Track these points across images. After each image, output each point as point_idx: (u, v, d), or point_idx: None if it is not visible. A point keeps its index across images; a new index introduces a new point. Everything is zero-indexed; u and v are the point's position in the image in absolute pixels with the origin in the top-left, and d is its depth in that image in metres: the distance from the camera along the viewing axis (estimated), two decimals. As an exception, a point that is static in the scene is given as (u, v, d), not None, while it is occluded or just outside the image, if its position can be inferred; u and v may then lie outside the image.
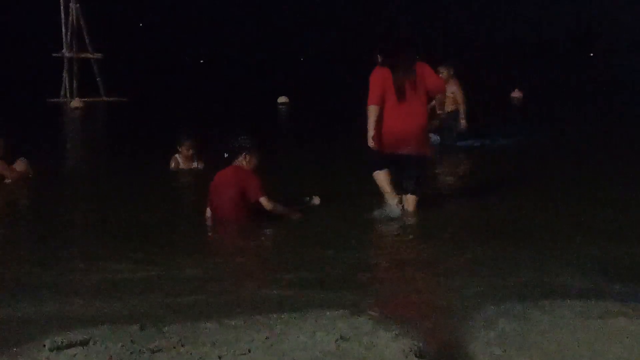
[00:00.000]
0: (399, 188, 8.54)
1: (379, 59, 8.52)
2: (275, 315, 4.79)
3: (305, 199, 8.94)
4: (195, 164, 11.96)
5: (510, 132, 16.52)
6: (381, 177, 8.51)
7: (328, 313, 4.74)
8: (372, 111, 8.28)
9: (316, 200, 8.95)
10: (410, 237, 7.75)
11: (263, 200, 8.17)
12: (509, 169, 12.10)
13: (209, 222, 8.34)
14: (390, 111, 8.34)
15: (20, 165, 11.23)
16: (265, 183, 8.26)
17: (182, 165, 11.96)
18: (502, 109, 24.98)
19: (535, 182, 10.54)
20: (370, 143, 8.27)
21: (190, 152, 11.96)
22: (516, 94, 30.95)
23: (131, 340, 4.35)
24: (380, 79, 8.35)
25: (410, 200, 8.53)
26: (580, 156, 13.43)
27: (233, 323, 4.65)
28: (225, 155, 8.44)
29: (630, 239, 7.14)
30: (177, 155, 12.00)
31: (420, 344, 4.18)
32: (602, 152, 13.80)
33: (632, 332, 4.33)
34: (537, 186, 10.22)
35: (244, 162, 8.37)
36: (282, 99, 30.00)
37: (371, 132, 8.25)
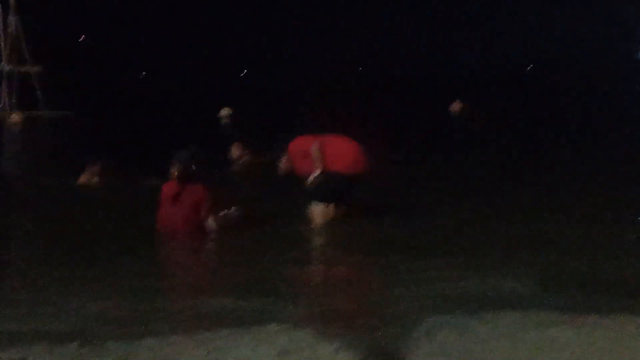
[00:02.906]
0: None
1: None
2: (216, 330, 4.76)
3: (231, 210, 8.91)
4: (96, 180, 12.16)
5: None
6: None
7: (269, 327, 4.72)
8: None
9: (240, 213, 8.93)
10: (349, 250, 7.77)
11: (210, 222, 8.19)
12: (445, 183, 12.19)
13: (155, 236, 8.28)
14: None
15: None
16: (211, 199, 8.27)
17: (91, 184, 12.14)
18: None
19: (472, 196, 10.64)
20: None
21: (98, 170, 12.21)
22: (456, 105, 31.21)
23: (70, 359, 4.28)
24: None
25: (338, 211, 8.66)
26: (518, 171, 13.61)
27: (173, 339, 4.60)
28: (175, 169, 8.38)
29: (567, 250, 7.25)
30: (87, 173, 12.26)
31: (362, 357, 4.19)
32: (540, 166, 14.04)
33: (568, 341, 4.39)
34: (474, 200, 10.32)
35: (193, 177, 8.34)
36: (225, 112, 29.92)
37: None
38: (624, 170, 12.99)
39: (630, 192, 10.62)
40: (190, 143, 8.92)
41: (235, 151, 14.84)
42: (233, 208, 8.93)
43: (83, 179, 12.32)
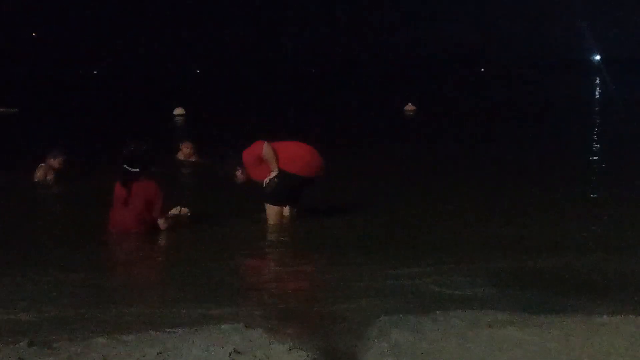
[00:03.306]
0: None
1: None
2: (168, 330, 4.72)
3: (176, 210, 8.86)
4: (50, 178, 11.90)
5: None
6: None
7: (222, 327, 4.70)
8: None
9: (184, 211, 8.89)
10: (303, 250, 7.78)
11: (160, 222, 8.17)
12: (401, 181, 12.25)
13: (107, 234, 8.21)
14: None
15: None
16: (162, 198, 8.23)
17: (48, 178, 11.86)
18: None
19: (426, 196, 10.71)
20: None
21: (60, 166, 11.93)
22: (409, 107, 31.49)
23: (19, 357, 4.22)
24: None
25: (291, 212, 8.66)
26: (472, 168, 13.73)
27: (125, 338, 4.56)
28: (125, 167, 8.29)
29: (520, 250, 7.32)
30: (43, 165, 11.91)
31: (315, 356, 4.19)
32: (493, 164, 14.18)
33: (520, 341, 4.43)
34: (428, 199, 10.39)
35: (148, 176, 8.29)
36: (178, 111, 29.73)
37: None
38: (577, 168, 13.24)
39: (578, 190, 10.81)
40: (138, 140, 8.85)
41: (184, 150, 14.74)
42: (184, 208, 8.89)
43: (40, 174, 11.96)
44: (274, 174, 8.49)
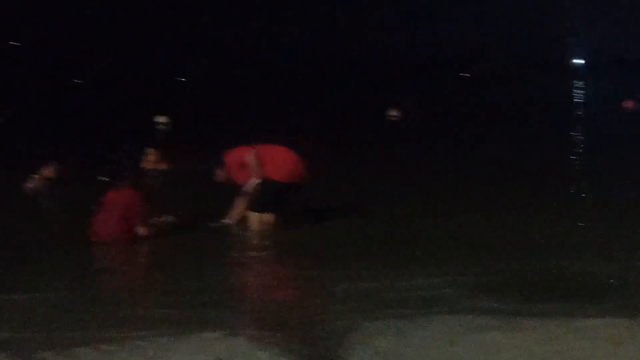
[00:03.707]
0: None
1: None
2: (151, 338, 4.70)
3: (163, 217, 8.82)
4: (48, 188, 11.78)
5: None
6: None
7: (205, 334, 4.69)
8: None
9: (170, 219, 8.85)
10: (286, 257, 7.78)
11: (141, 229, 8.14)
12: (381, 187, 12.25)
13: (88, 243, 8.17)
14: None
15: None
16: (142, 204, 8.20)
17: (42, 188, 11.72)
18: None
19: (411, 200, 10.71)
20: None
21: (54, 175, 11.79)
22: (393, 112, 31.46)
23: (0, 368, 4.19)
24: None
25: (273, 219, 8.68)
26: (452, 172, 13.75)
27: (107, 347, 4.54)
28: (107, 175, 8.29)
29: (503, 254, 7.33)
30: (37, 176, 11.75)
31: (298, 363, 4.19)
32: (474, 166, 14.21)
33: (504, 345, 4.44)
34: (412, 204, 10.39)
35: (132, 184, 8.27)
36: (161, 119, 29.61)
37: None
38: (563, 171, 13.30)
39: (563, 192, 10.85)
40: (121, 149, 8.84)
41: (149, 157, 14.08)
42: (167, 216, 8.84)
43: (33, 184, 11.75)
44: (256, 181, 8.48)
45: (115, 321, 5.46)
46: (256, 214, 8.56)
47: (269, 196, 8.51)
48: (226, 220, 8.67)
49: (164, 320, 5.38)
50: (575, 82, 66.18)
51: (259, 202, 8.52)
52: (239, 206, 8.69)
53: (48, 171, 11.76)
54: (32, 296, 6.11)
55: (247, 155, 8.50)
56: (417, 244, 7.81)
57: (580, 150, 17.35)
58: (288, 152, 8.78)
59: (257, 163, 8.46)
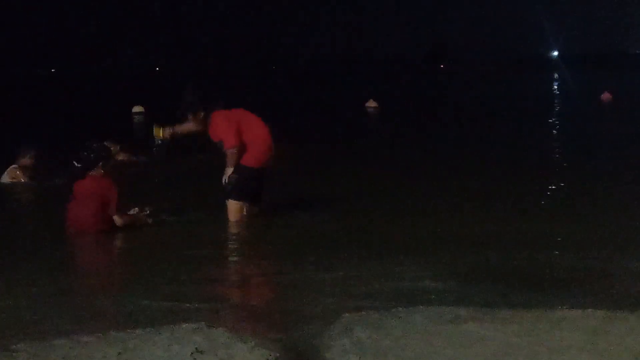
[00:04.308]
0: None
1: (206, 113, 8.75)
2: (129, 330, 4.66)
3: (134, 210, 8.76)
4: (33, 178, 11.57)
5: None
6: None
7: (184, 326, 4.65)
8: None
9: (143, 211, 8.80)
10: (264, 247, 7.77)
11: (116, 218, 8.09)
12: (360, 178, 12.26)
13: (64, 234, 8.11)
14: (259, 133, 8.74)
15: None
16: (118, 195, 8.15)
17: (21, 179, 11.50)
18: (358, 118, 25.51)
19: (388, 191, 10.73)
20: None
21: (32, 163, 11.60)
22: (371, 104, 31.54)
23: (-24, 360, 4.15)
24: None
25: (251, 209, 8.63)
26: (433, 165, 13.79)
27: (85, 339, 4.49)
28: (78, 164, 8.20)
29: (481, 245, 7.36)
30: (14, 167, 11.55)
31: (277, 354, 4.17)
32: (455, 159, 14.25)
33: (482, 336, 4.44)
34: (390, 195, 10.41)
35: (102, 172, 8.20)
36: (137, 109, 29.49)
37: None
38: (542, 165, 13.37)
39: (541, 186, 10.90)
40: (92, 139, 8.77)
41: (12, 173, 12.63)
42: (144, 207, 8.79)
43: (12, 175, 11.62)
44: (229, 171, 8.42)
45: (92, 313, 5.44)
46: (236, 202, 8.52)
47: (246, 182, 8.46)
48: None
49: (140, 312, 5.36)
50: (554, 75, 66.69)
51: (237, 190, 8.48)
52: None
53: (25, 160, 11.62)
54: (6, 289, 6.06)
55: (229, 148, 8.42)
56: (393, 238, 7.83)
57: (560, 144, 17.47)
58: (264, 129, 8.69)
59: (235, 160, 8.41)
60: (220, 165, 8.66)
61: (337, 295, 5.72)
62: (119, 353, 4.19)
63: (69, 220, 8.16)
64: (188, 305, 5.52)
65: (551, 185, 11.10)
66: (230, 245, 7.87)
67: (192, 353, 4.14)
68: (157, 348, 4.25)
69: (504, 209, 9.25)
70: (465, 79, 66.01)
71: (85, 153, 8.21)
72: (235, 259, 7.42)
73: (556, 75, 67.45)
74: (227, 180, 8.47)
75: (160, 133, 8.81)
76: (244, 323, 5.07)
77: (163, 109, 11.22)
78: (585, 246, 7.31)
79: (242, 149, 8.47)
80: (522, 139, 18.01)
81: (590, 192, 10.51)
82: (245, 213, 8.62)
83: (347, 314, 4.97)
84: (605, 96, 32.84)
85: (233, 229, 8.35)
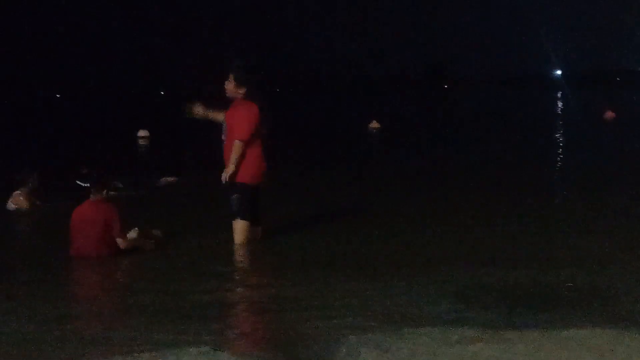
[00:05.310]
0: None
1: (246, 92, 8.57)
2: (135, 354, 4.67)
3: (134, 231, 8.75)
4: (37, 202, 11.53)
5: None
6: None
7: (189, 350, 4.66)
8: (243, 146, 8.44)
9: (156, 232, 8.80)
10: (269, 269, 7.76)
11: (120, 241, 8.09)
12: (359, 197, 12.25)
13: (69, 260, 8.10)
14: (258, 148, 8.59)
15: None
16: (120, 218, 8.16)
17: (25, 205, 11.43)
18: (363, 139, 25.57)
19: (394, 212, 10.70)
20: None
21: (35, 187, 11.58)
22: (374, 124, 31.60)
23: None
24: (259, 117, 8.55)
25: (255, 231, 8.66)
26: (432, 183, 13.78)
27: (90, 364, 4.50)
28: (82, 185, 8.22)
29: (487, 266, 7.33)
30: (18, 192, 11.50)
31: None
32: (453, 176, 14.25)
33: (488, 357, 4.44)
34: (396, 216, 10.38)
35: (104, 196, 8.21)
36: (142, 133, 29.51)
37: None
38: (545, 181, 13.36)
39: (546, 203, 10.89)
40: (95, 164, 8.79)
41: (16, 199, 11.67)
42: (154, 230, 8.78)
43: (18, 200, 11.46)
44: (231, 169, 8.38)
45: (99, 338, 5.42)
46: (243, 222, 8.47)
47: (248, 201, 8.44)
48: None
49: (148, 336, 5.34)
50: (557, 94, 66.80)
51: (242, 210, 8.44)
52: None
53: (28, 185, 11.58)
54: (10, 318, 6.03)
55: (237, 142, 8.37)
56: (399, 258, 7.80)
57: (561, 157, 17.47)
58: (261, 146, 8.67)
59: (238, 157, 8.37)
60: (218, 184, 8.61)
61: (343, 317, 5.69)
62: (125, 378, 4.19)
63: (74, 250, 8.13)
64: (194, 329, 5.50)
65: (556, 202, 11.10)
66: (233, 268, 7.84)
67: (197, 377, 4.14)
68: (163, 372, 4.25)
69: (508, 228, 9.24)
70: (469, 98, 66.10)
71: (88, 178, 8.24)
72: (239, 282, 7.39)
73: (559, 94, 67.53)
74: (228, 198, 8.41)
75: (192, 111, 8.84)
76: (249, 346, 5.05)
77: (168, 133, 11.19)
78: (591, 264, 7.29)
79: (242, 153, 8.42)
80: (529, 159, 18.02)
81: (594, 208, 10.49)
82: (251, 232, 8.54)
83: (352, 336, 4.97)
84: (609, 114, 32.98)
85: (237, 252, 8.30)
